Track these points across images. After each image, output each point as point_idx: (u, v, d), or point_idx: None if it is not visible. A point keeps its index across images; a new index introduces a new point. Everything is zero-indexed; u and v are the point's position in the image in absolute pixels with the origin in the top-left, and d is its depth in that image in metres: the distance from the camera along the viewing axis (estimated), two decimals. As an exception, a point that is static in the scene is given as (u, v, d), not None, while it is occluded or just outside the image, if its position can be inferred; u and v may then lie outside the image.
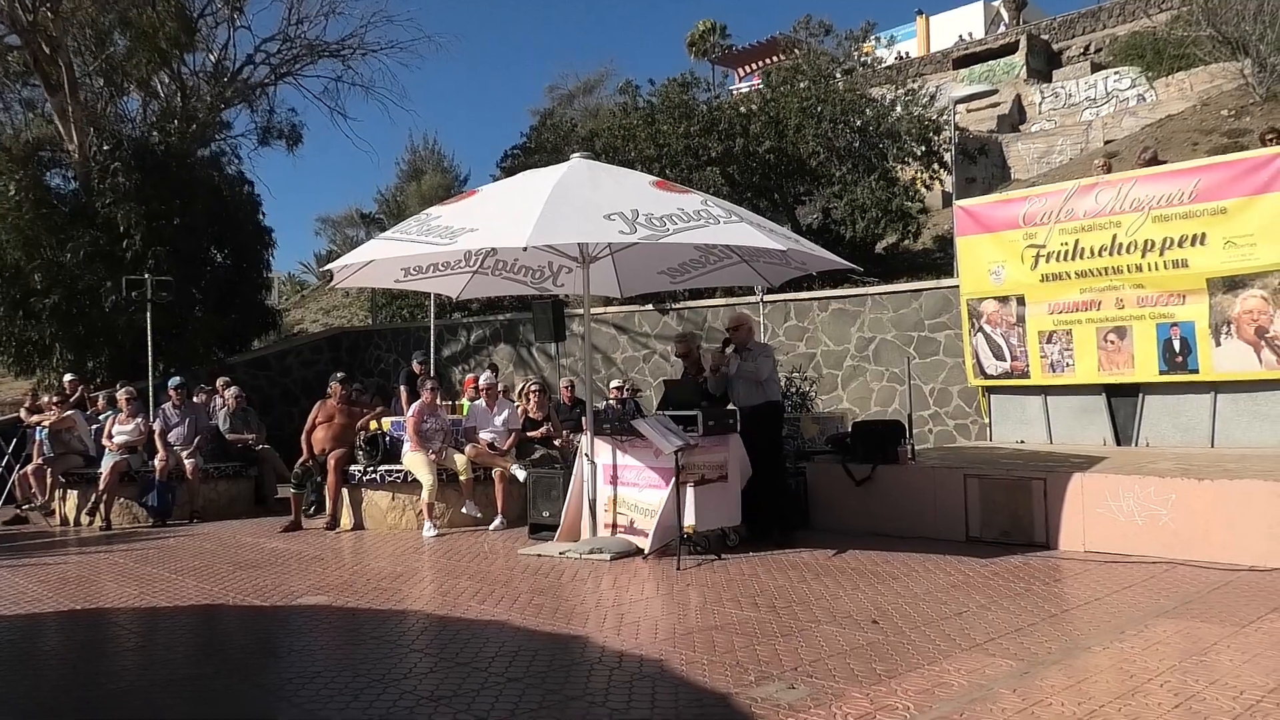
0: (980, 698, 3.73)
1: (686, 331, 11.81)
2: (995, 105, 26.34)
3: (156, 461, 9.97)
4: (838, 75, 17.64)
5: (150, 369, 12.86)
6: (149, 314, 12.56)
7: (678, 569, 6.53)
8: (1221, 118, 20.75)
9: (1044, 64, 29.49)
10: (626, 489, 7.37)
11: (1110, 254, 9.31)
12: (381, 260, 7.37)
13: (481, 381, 9.58)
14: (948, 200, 19.86)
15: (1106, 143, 23.36)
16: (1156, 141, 19.51)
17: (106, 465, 9.93)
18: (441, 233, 6.28)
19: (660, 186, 7.21)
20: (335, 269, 7.34)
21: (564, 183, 6.72)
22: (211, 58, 19.56)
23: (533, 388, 10.07)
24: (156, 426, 10.28)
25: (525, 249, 6.63)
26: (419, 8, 42.96)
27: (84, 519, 10.18)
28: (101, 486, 9.86)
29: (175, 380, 10.73)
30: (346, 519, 9.23)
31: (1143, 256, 9.11)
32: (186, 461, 10.11)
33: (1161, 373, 9.03)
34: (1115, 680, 3.91)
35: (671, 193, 7.05)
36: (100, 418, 11.03)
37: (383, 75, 32.54)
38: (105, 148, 15.89)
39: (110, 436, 10.21)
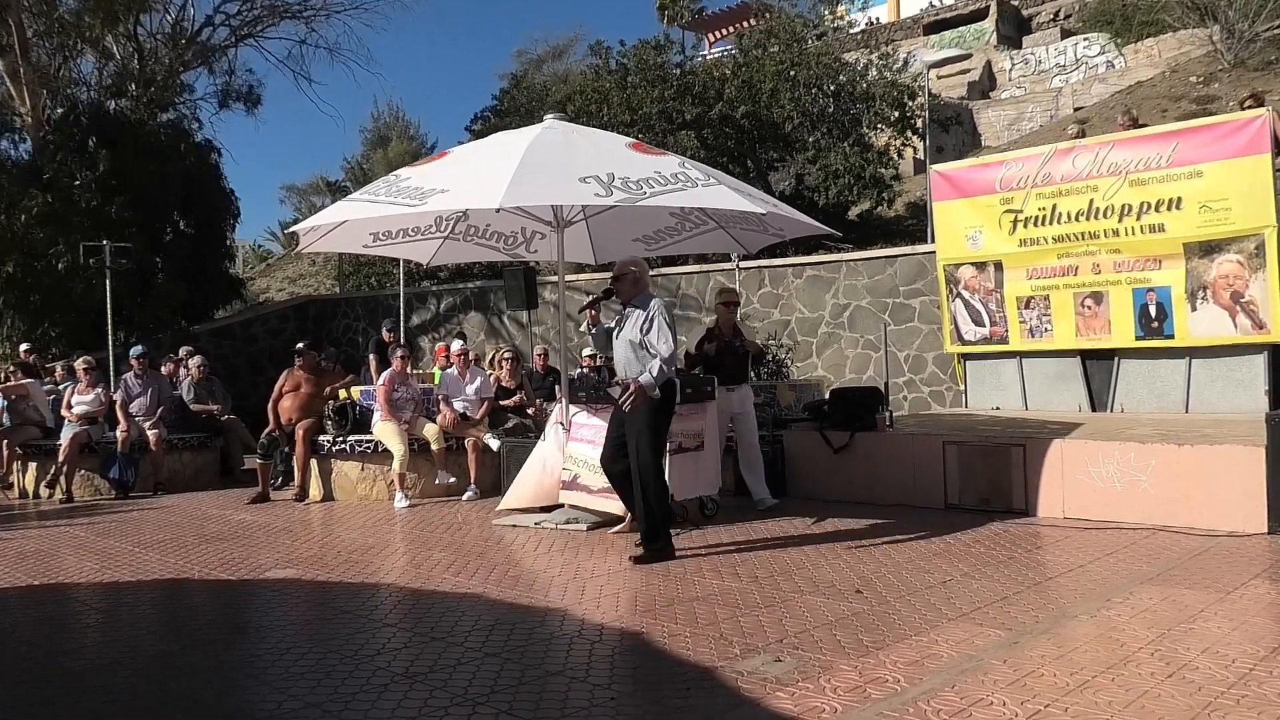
0: (970, 668, 3.66)
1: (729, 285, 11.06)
2: (966, 72, 26.27)
3: (118, 433, 9.70)
4: (811, 39, 17.45)
5: (110, 338, 12.52)
6: (108, 281, 12.19)
7: (656, 539, 6.41)
8: (1191, 84, 20.80)
9: (1014, 30, 29.44)
10: (578, 445, 7.18)
11: (1087, 218, 9.25)
12: (350, 223, 7.13)
13: (454, 349, 9.39)
14: (919, 167, 19.80)
15: (1076, 109, 23.40)
16: (1122, 111, 19.54)
17: (66, 436, 9.65)
18: (411, 194, 6.06)
19: (636, 149, 7.00)
20: (302, 231, 7.09)
21: (537, 144, 6.51)
22: (169, 18, 18.99)
23: (505, 356, 9.90)
24: (118, 397, 9.99)
25: (498, 211, 6.42)
26: (384, -31, 41.87)
27: (44, 491, 9.91)
28: (61, 458, 9.58)
29: (137, 349, 10.43)
30: (315, 490, 9.04)
31: (1120, 221, 9.07)
32: (149, 432, 9.85)
33: (1138, 338, 9.02)
34: (1105, 649, 3.85)
35: (648, 155, 6.86)
36: (59, 388, 10.73)
37: (348, 38, 31.87)
38: (59, 110, 15.38)
39: (69, 407, 9.92)
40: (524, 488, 7.45)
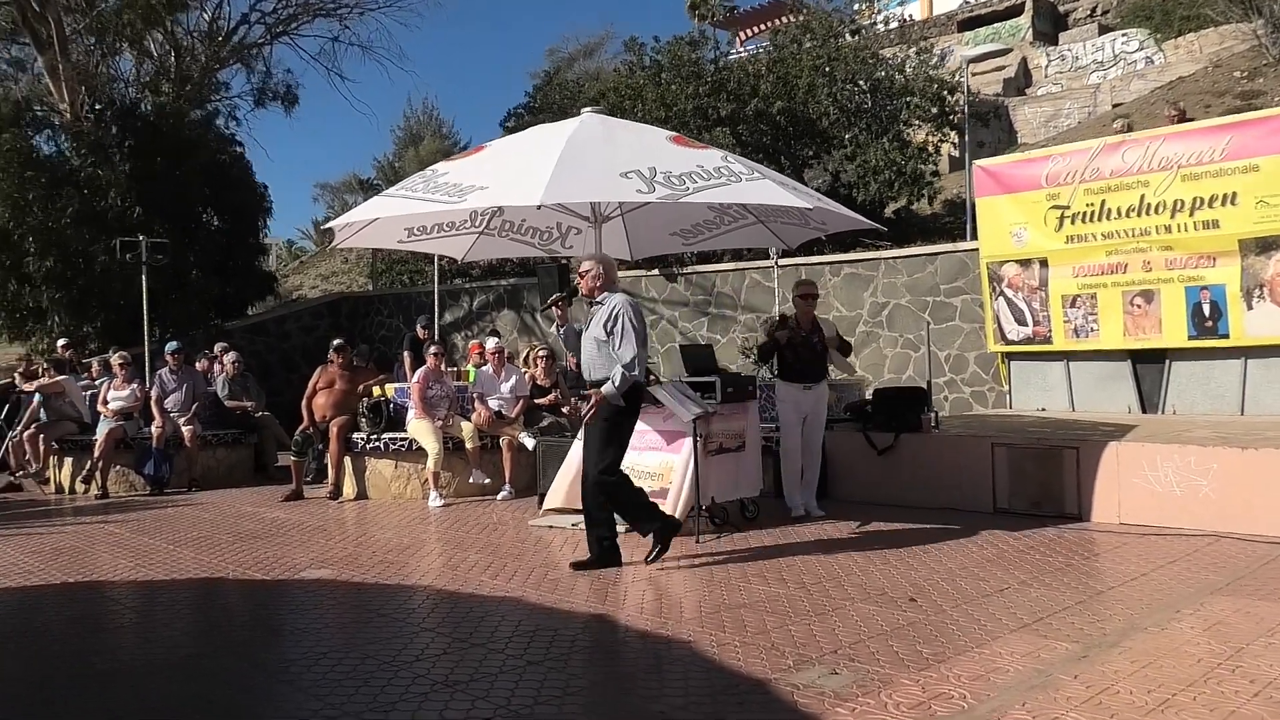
0: (1040, 684, 3.47)
1: (807, 278, 10.33)
2: (1000, 69, 25.86)
3: (153, 428, 9.68)
4: (847, 35, 17.19)
5: (146, 333, 12.53)
6: (144, 277, 12.20)
7: (697, 542, 6.26)
8: (1234, 79, 20.31)
9: (1050, 26, 28.96)
10: None
11: (1138, 215, 8.99)
12: (385, 219, 7.03)
13: (489, 346, 9.27)
14: (955, 164, 19.46)
15: (1115, 105, 22.94)
16: (1168, 104, 19.12)
17: (102, 432, 9.64)
18: (449, 190, 5.94)
19: (678, 142, 6.85)
20: (337, 227, 7.00)
21: (576, 138, 6.36)
22: (206, 16, 19.05)
23: (540, 353, 9.77)
24: (153, 393, 9.97)
25: (539, 207, 6.28)
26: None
27: (79, 487, 9.91)
28: (97, 454, 9.57)
29: (172, 345, 10.41)
30: (349, 488, 8.96)
31: (1172, 217, 8.80)
32: (184, 428, 9.81)
33: (1191, 338, 8.74)
34: (1182, 664, 3.65)
35: (690, 149, 6.70)
36: (96, 383, 10.73)
37: (381, 35, 31.94)
38: (97, 107, 15.45)
39: (105, 403, 9.91)
40: (562, 488, 7.30)
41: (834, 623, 4.35)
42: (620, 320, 5.48)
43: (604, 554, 5.67)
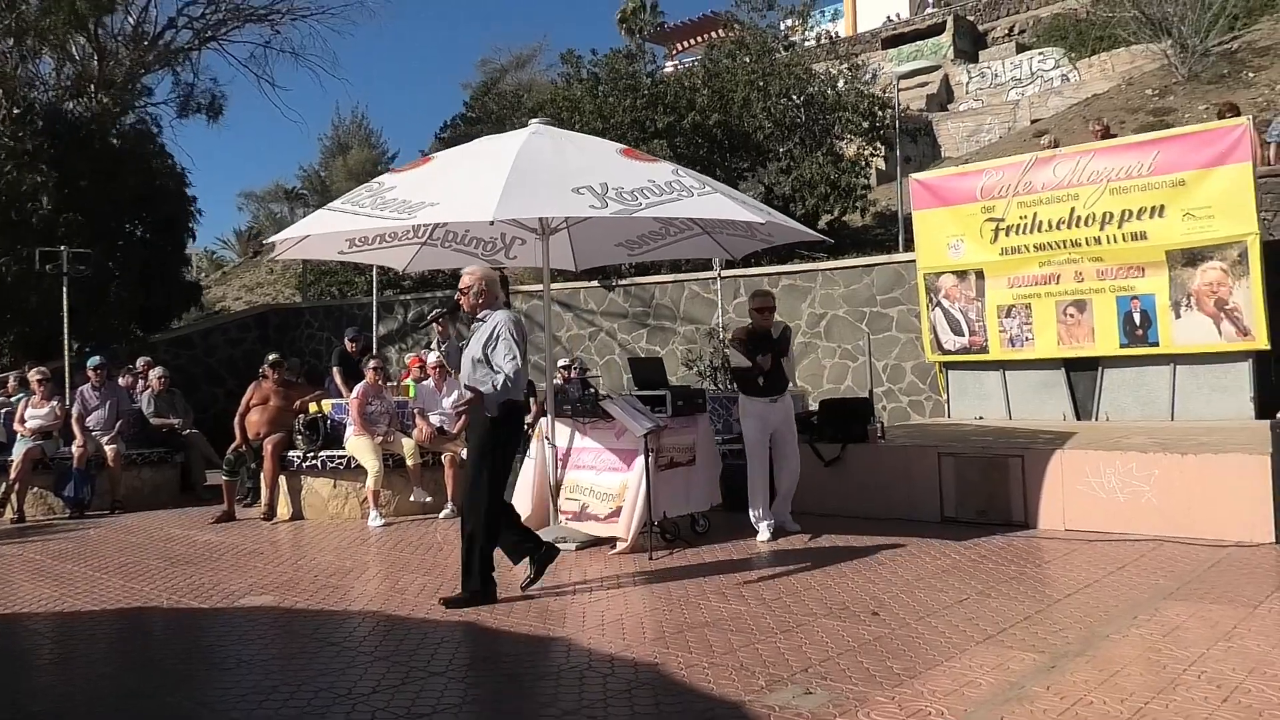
0: (1014, 697, 3.46)
1: (763, 287, 9.96)
2: (924, 85, 26.44)
3: (74, 448, 9.23)
4: (781, 50, 17.36)
5: (66, 348, 11.98)
6: (65, 289, 11.67)
7: (650, 559, 6.18)
8: (1146, 96, 21.05)
9: (970, 45, 29.75)
10: (580, 472, 6.96)
11: (1069, 227, 9.22)
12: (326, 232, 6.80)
13: (430, 360, 9.06)
14: (883, 177, 19.80)
15: (1034, 121, 23.61)
16: (1084, 121, 19.73)
17: (18, 452, 9.16)
18: (398, 206, 5.76)
19: (628, 155, 6.77)
20: (278, 240, 6.75)
21: (526, 151, 6.23)
22: (130, 20, 18.34)
23: (481, 367, 9.59)
24: (74, 410, 9.52)
25: (492, 223, 6.14)
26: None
27: (-8, 511, 9.41)
28: (13, 475, 9.09)
29: (95, 360, 9.96)
30: (284, 508, 8.66)
31: (1101, 229, 9.04)
32: (107, 448, 9.39)
33: (1122, 346, 8.98)
34: (1149, 672, 3.68)
35: (641, 162, 6.63)
36: (11, 400, 10.22)
37: (313, 41, 31.21)
38: (15, 111, 14.76)
39: (22, 421, 9.43)
40: (522, 509, 7.13)
41: (800, 640, 4.30)
42: (502, 335, 5.25)
43: (541, 557, 5.47)
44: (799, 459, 7.03)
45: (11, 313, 14.39)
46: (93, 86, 16.95)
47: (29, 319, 14.26)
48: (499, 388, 5.15)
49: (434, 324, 5.75)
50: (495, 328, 5.29)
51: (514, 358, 5.20)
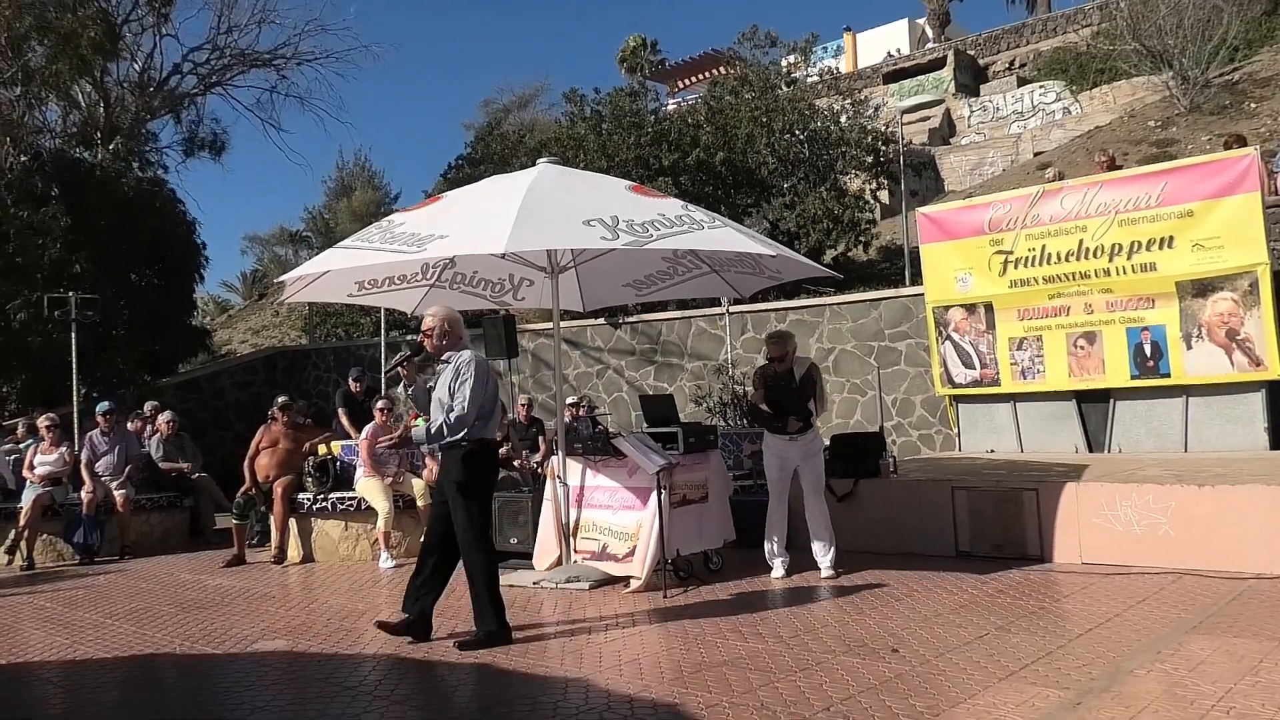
0: (1041, 736, 3.41)
1: (782, 329, 9.47)
2: (926, 119, 26.64)
3: (83, 494, 9.22)
4: (783, 86, 17.55)
5: (75, 394, 12.01)
6: (73, 335, 11.72)
7: (665, 597, 6.13)
8: (1149, 128, 21.18)
9: (971, 79, 30.00)
10: (597, 511, 6.93)
11: (1078, 259, 9.23)
12: (335, 272, 6.83)
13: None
14: (886, 211, 19.91)
15: (1037, 154, 23.74)
16: (1088, 153, 19.86)
17: (27, 499, 9.14)
18: (408, 240, 5.80)
19: (637, 191, 6.83)
20: (289, 279, 6.77)
21: (535, 188, 6.29)
22: (136, 66, 18.62)
23: (490, 406, 9.58)
24: (83, 456, 9.51)
25: (502, 256, 6.16)
26: (353, 19, 41.95)
27: (2, 558, 9.34)
28: (22, 522, 9.06)
29: (104, 405, 9.96)
30: (294, 551, 8.61)
31: (1110, 261, 9.05)
32: (116, 493, 9.37)
33: (1133, 377, 8.95)
34: (1175, 708, 3.62)
35: (650, 197, 6.68)
36: (20, 447, 10.22)
37: (319, 86, 31.69)
38: (23, 158, 14.94)
39: (31, 468, 9.42)
40: (547, 548, 7.10)
41: (820, 678, 4.24)
42: (464, 376, 5.21)
43: (415, 627, 5.39)
44: (823, 502, 6.76)
45: (19, 359, 14.45)
46: (99, 133, 17.16)
47: (36, 365, 14.32)
48: (434, 430, 5.20)
49: (399, 368, 5.60)
50: (459, 369, 5.26)
51: (467, 399, 5.15)
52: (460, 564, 5.39)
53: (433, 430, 5.22)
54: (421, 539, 5.63)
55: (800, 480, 6.73)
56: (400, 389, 5.41)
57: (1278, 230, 9.72)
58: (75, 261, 14.09)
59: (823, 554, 6.67)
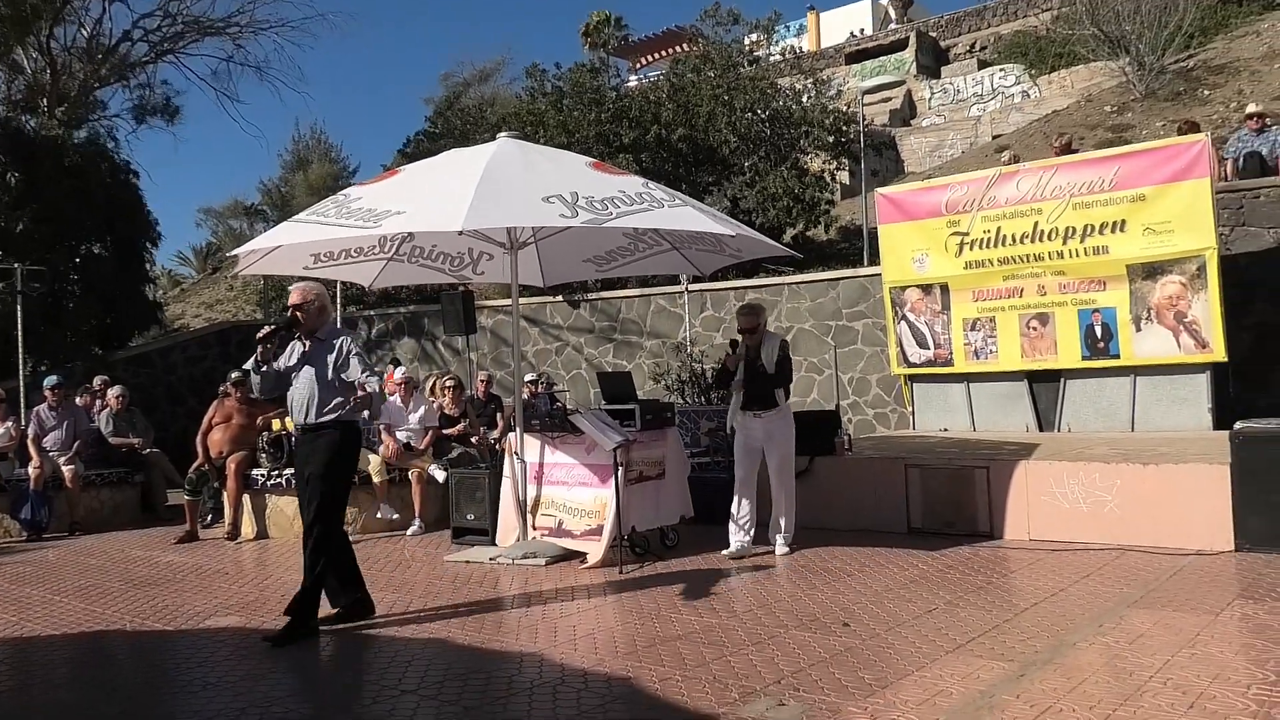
0: (985, 705, 3.49)
1: (754, 301, 9.39)
2: (887, 100, 26.77)
3: (31, 469, 9.05)
4: (745, 65, 17.50)
5: (21, 367, 11.76)
6: (19, 307, 11.46)
7: (620, 573, 6.17)
8: (1105, 113, 21.46)
9: (933, 61, 30.16)
10: (554, 488, 6.94)
11: (1032, 241, 9.35)
12: (292, 245, 6.74)
13: (396, 376, 9.01)
14: (846, 191, 20.00)
15: (995, 137, 23.96)
16: (1045, 137, 20.08)
17: (-28, 475, 8.98)
18: (364, 215, 5.72)
19: (597, 168, 6.79)
20: (242, 253, 6.66)
21: (495, 162, 6.23)
22: (84, 32, 18.13)
23: (448, 383, 9.55)
24: (30, 431, 9.34)
25: (460, 233, 6.11)
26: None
27: (-54, 534, 9.19)
28: (-34, 498, 8.91)
29: (52, 379, 9.77)
30: (248, 528, 8.53)
31: (1064, 243, 9.17)
32: (65, 468, 9.21)
33: (1084, 358, 9.11)
34: (1115, 680, 3.72)
35: (610, 174, 6.65)
36: (-36, 422, 10.00)
37: (277, 56, 30.86)
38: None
39: (-24, 443, 9.25)
40: (510, 525, 7.10)
41: (772, 652, 4.30)
42: (359, 356, 5.15)
43: (355, 604, 5.30)
44: (788, 481, 6.71)
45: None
46: (45, 100, 16.71)
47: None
48: (376, 391, 5.11)
49: (264, 344, 5.17)
50: (345, 348, 5.15)
51: (369, 376, 5.10)
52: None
53: (374, 389, 5.11)
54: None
55: (767, 457, 6.70)
56: (251, 365, 5.06)
57: (1226, 215, 9.92)
58: (23, 231, 13.74)
59: (778, 532, 6.70)
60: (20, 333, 11.54)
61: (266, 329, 5.18)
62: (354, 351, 5.15)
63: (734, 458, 6.87)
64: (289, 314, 5.19)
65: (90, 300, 15.04)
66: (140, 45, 18.46)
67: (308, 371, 5.14)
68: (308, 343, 5.20)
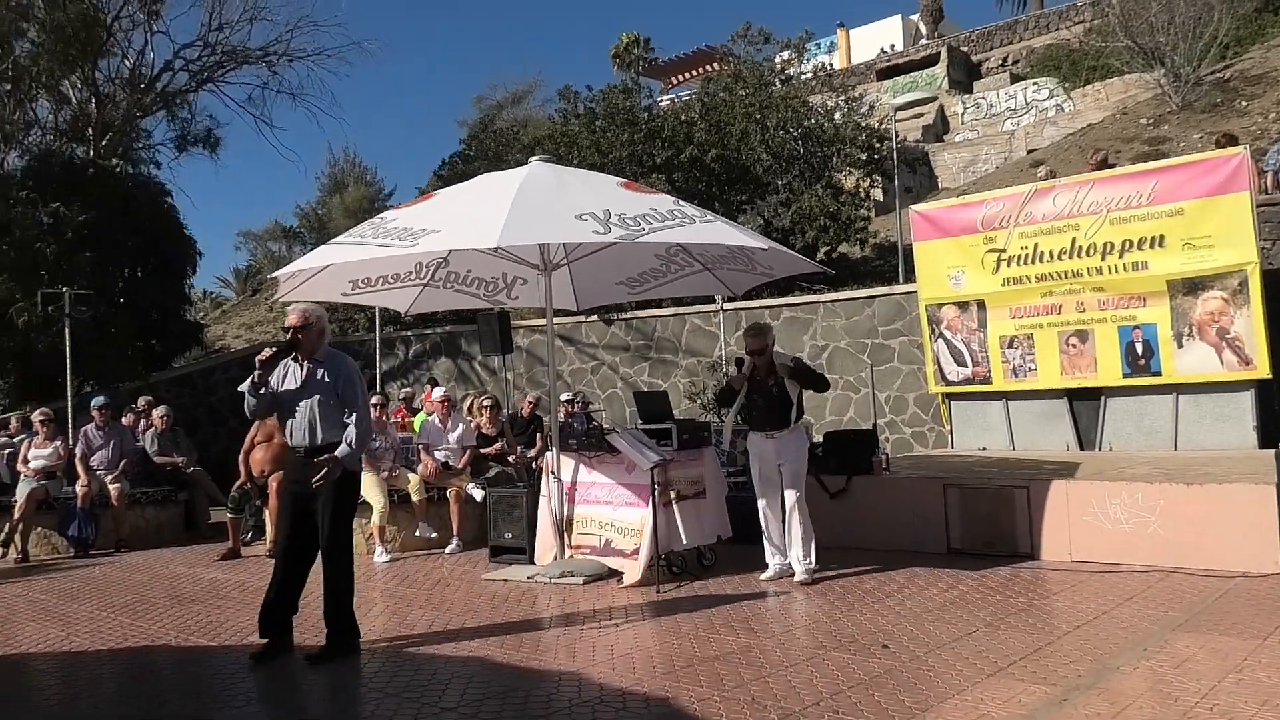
0: (1028, 730, 3.46)
1: (760, 322, 9.20)
2: (920, 116, 26.68)
3: (78, 487, 9.23)
4: (777, 83, 17.56)
5: (70, 388, 12.01)
6: (67, 330, 11.73)
7: (658, 592, 6.18)
8: (1141, 126, 21.26)
9: (964, 75, 30.03)
10: (598, 507, 6.96)
11: (1070, 257, 9.28)
12: (330, 270, 6.84)
13: (435, 395, 9.10)
14: (880, 209, 19.96)
15: (1030, 151, 23.79)
16: (1080, 150, 19.92)
17: (22, 493, 9.15)
18: (400, 235, 5.83)
19: (628, 187, 6.86)
20: (283, 275, 6.78)
21: (528, 184, 6.33)
22: (127, 63, 18.60)
23: (485, 402, 9.62)
24: (78, 450, 9.53)
25: (495, 251, 6.19)
26: (345, 15, 41.98)
27: (-4, 551, 9.39)
28: (16, 515, 9.08)
29: (99, 400, 9.99)
30: (289, 545, 8.62)
31: (1102, 259, 9.10)
32: (111, 486, 9.39)
33: (1125, 376, 9.01)
34: (1160, 705, 3.67)
35: (641, 193, 6.72)
36: (14, 441, 10.23)
37: (311, 82, 31.32)
38: (14, 155, 14.96)
39: (25, 461, 9.44)
40: (548, 544, 7.14)
41: (811, 673, 4.29)
42: (359, 383, 5.15)
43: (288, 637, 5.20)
44: (798, 501, 6.43)
45: (15, 357, 14.44)
46: (91, 130, 17.12)
47: (33, 360, 14.31)
48: (356, 444, 5.05)
49: (264, 367, 5.04)
50: (347, 372, 5.13)
51: (365, 412, 5.14)
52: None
53: (354, 444, 5.03)
54: (280, 547, 5.34)
55: (783, 477, 6.49)
56: (248, 387, 4.94)
57: (1268, 229, 9.79)
58: (72, 256, 14.08)
59: (798, 559, 6.40)
60: (69, 355, 11.79)
61: (268, 351, 5.11)
62: (356, 380, 5.15)
63: (753, 481, 6.70)
64: (289, 336, 5.11)
65: (135, 323, 15.36)
66: (181, 75, 18.95)
67: (310, 393, 5.09)
68: (306, 365, 5.13)
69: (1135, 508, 6.40)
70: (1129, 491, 6.45)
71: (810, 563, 6.40)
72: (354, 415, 5.07)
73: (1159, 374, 8.81)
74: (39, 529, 9.32)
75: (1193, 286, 8.63)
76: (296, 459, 5.14)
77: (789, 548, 6.50)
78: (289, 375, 5.15)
